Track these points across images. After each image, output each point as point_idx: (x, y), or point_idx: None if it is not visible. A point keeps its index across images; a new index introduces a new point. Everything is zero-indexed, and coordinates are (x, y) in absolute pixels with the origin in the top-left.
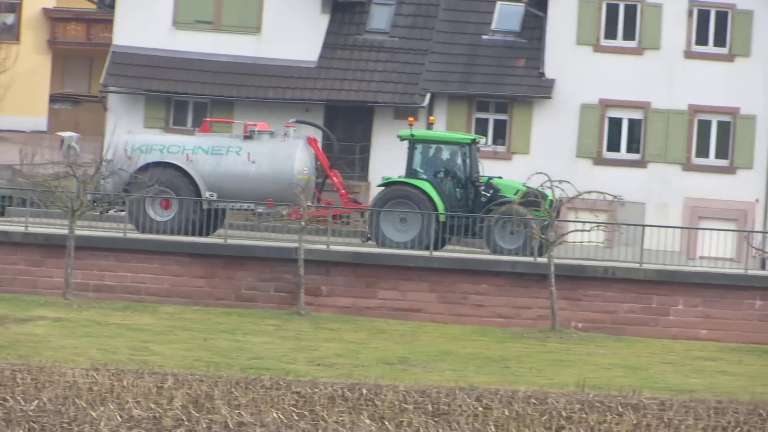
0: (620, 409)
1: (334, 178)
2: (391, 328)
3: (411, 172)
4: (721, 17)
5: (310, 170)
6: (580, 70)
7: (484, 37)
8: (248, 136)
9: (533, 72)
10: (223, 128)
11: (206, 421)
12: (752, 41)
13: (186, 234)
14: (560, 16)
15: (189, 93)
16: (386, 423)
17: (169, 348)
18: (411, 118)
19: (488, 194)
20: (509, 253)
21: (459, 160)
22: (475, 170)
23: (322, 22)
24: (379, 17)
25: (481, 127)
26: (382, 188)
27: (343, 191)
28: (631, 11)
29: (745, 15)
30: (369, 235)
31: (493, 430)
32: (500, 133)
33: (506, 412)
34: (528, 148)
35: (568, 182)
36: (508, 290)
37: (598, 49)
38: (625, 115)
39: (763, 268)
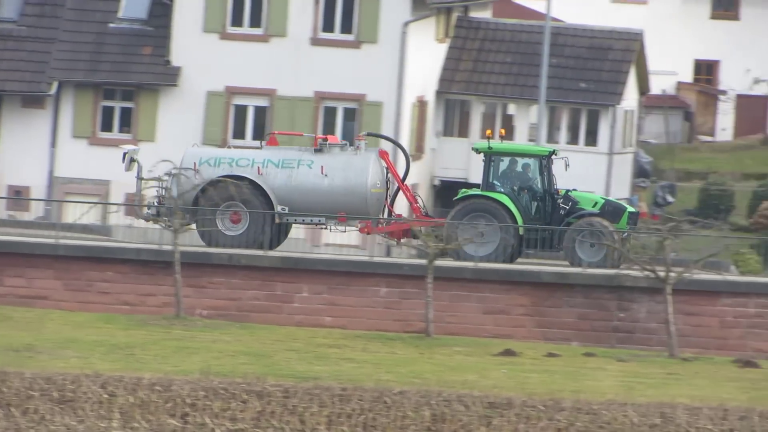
0: (245, 396)
1: (407, 192)
2: (18, 315)
3: (488, 185)
4: (348, 4)
5: (382, 183)
6: (206, 58)
7: (111, 25)
8: (319, 150)
9: (160, 60)
10: None
11: None
12: (379, 28)
13: (256, 248)
14: (187, 3)
15: None
16: (12, 410)
17: None
18: (489, 131)
19: (567, 207)
20: (591, 266)
21: (537, 173)
22: (552, 183)
23: None
24: (8, 6)
25: (108, 116)
26: (459, 202)
27: (415, 205)
28: None
29: (372, 2)
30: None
31: (119, 416)
32: (126, 121)
33: (131, 399)
34: (154, 135)
35: (194, 170)
36: (133, 277)
37: (224, 36)
38: (251, 103)
39: (388, 255)
